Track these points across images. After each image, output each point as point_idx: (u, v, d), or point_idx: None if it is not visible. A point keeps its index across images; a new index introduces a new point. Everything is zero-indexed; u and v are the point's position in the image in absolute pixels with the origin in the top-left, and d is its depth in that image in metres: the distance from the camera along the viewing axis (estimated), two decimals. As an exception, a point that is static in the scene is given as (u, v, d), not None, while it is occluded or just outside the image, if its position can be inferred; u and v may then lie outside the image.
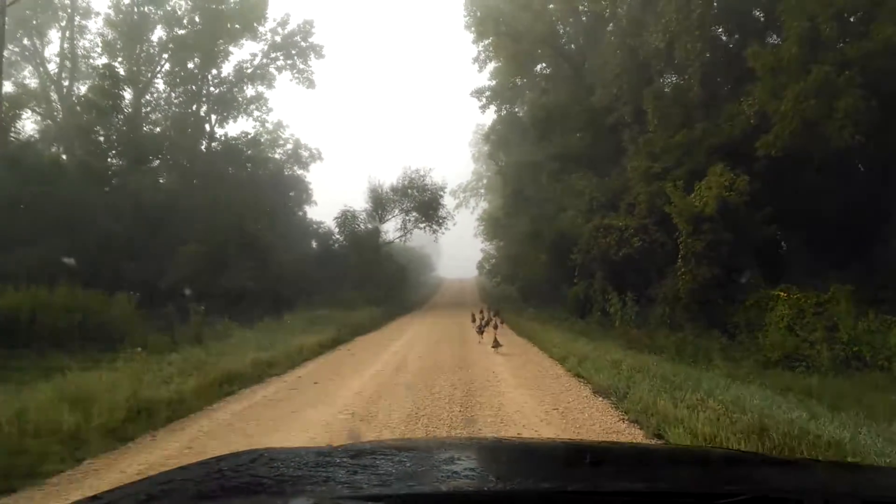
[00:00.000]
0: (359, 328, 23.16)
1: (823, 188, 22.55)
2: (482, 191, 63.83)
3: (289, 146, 53.81)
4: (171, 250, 29.33)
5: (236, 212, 32.00)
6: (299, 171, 53.34)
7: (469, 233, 62.28)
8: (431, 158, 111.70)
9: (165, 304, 29.24)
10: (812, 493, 1.60)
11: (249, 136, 47.17)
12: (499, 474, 1.84)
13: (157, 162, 39.03)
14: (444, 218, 42.62)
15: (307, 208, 54.50)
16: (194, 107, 44.47)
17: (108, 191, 30.52)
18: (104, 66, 33.55)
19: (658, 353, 16.88)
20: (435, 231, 42.72)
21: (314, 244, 46.94)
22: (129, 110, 39.16)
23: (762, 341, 17.54)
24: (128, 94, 43.33)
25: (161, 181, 32.48)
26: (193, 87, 44.30)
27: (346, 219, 40.28)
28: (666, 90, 26.04)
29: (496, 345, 15.97)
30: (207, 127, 45.18)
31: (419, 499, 1.47)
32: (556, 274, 26.72)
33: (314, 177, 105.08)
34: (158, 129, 40.84)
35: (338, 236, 43.01)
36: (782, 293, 19.76)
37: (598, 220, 24.25)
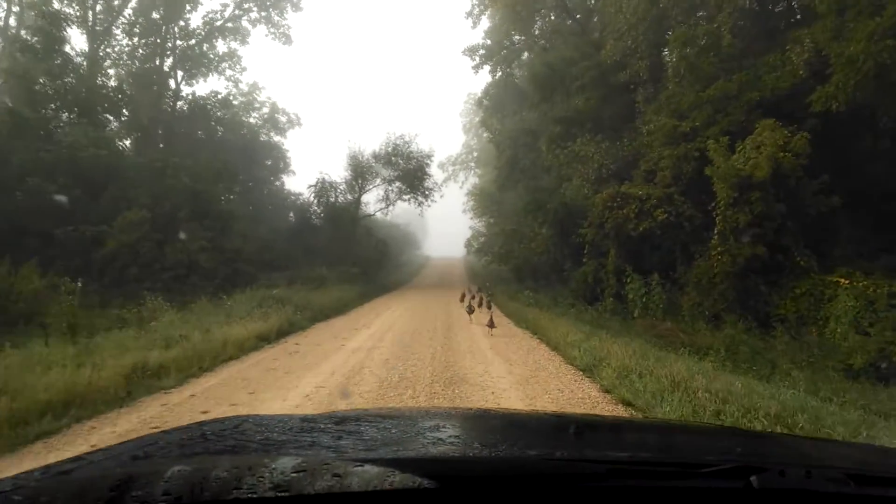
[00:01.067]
0: (322, 312, 18.84)
1: (889, 154, 18.44)
2: (472, 164, 59.19)
3: (265, 110, 49.18)
4: (114, 217, 24.83)
5: (195, 176, 27.44)
6: (276, 138, 48.81)
7: (458, 209, 57.96)
8: (420, 129, 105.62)
9: (102, 278, 24.93)
10: (793, 463, 1.59)
11: (220, 97, 42.45)
12: (484, 442, 1.83)
13: (113, 119, 34.52)
14: (431, 189, 38.13)
15: (285, 178, 50.03)
16: (157, 61, 39.62)
17: (50, 149, 25.77)
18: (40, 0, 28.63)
19: (701, 354, 12.74)
20: (420, 204, 38.21)
21: (292, 217, 42.49)
22: (81, 60, 34.43)
23: (833, 341, 13.42)
24: (82, 43, 38.60)
25: (112, 139, 27.79)
26: (157, 39, 39.46)
27: (322, 188, 35.68)
28: (695, 37, 21.61)
29: (490, 324, 14.94)
30: (173, 84, 40.41)
31: (405, 463, 1.31)
32: (559, 251, 22.46)
33: (293, 144, 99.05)
34: (114, 84, 35.91)
35: (315, 208, 38.49)
36: (842, 280, 15.65)
37: (612, 188, 19.91)
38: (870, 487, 1.42)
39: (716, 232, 17.08)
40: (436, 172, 43.69)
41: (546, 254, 22.94)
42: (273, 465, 1.23)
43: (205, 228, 25.85)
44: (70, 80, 30.38)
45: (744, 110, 18.79)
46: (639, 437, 2.30)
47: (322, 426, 1.86)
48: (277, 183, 49.05)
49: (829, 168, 17.34)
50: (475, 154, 58.88)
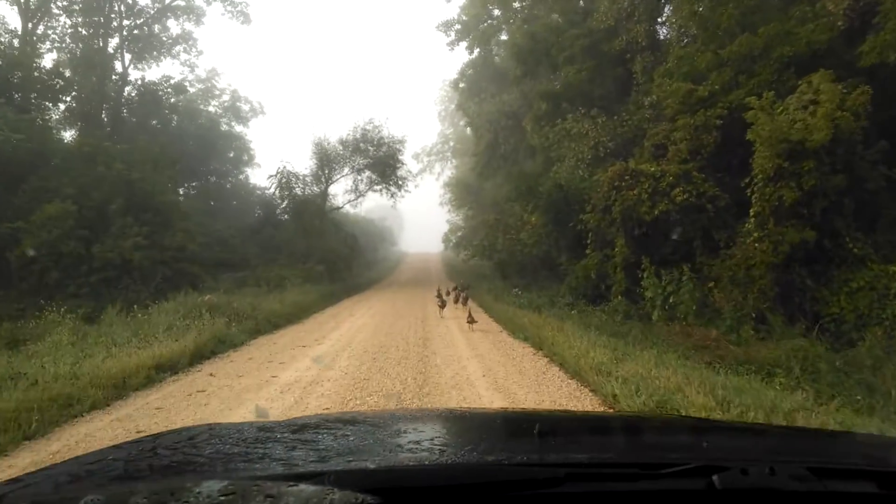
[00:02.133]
0: (270, 321, 15.08)
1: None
2: (449, 154, 55.38)
3: (225, 98, 45.06)
4: (35, 212, 20.80)
5: (129, 163, 23.41)
6: (238, 128, 44.71)
7: (435, 203, 54.23)
8: (393, 118, 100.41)
9: (20, 283, 20.93)
10: (756, 460, 1.51)
11: (173, 82, 38.21)
12: (444, 447, 1.73)
13: (51, 106, 30.29)
14: (404, 178, 34.30)
15: (249, 171, 45.98)
16: (101, 42, 35.30)
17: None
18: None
19: (763, 374, 9.29)
20: (393, 195, 34.36)
21: (259, 213, 38.42)
22: (9, 38, 30.16)
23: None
24: (15, 22, 34.39)
25: (32, 122, 23.62)
26: (100, 17, 35.17)
27: (284, 179, 31.70)
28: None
29: (471, 320, 14.30)
30: (119, 67, 36.14)
31: (353, 475, 1.29)
32: (553, 243, 18.88)
33: (257, 135, 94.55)
34: (48, 67, 31.62)
35: (278, 201, 34.46)
36: (916, 270, 12.50)
37: (619, 164, 16.34)
38: (833, 482, 1.37)
39: (752, 214, 13.62)
40: (410, 164, 40.02)
41: (537, 246, 19.36)
42: (198, 489, 1.14)
43: (141, 223, 21.89)
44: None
45: (774, 69, 15.39)
46: (603, 435, 2.17)
47: (278, 435, 1.79)
48: (241, 176, 45.09)
49: (881, 134, 14.05)
50: (451, 144, 55.10)
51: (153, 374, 8.45)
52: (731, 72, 16.24)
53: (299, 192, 32.42)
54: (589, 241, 16.69)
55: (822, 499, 1.34)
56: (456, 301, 18.93)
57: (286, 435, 1.81)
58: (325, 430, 1.94)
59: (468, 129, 55.54)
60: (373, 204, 53.33)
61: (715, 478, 1.30)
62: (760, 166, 13.06)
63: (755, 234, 13.49)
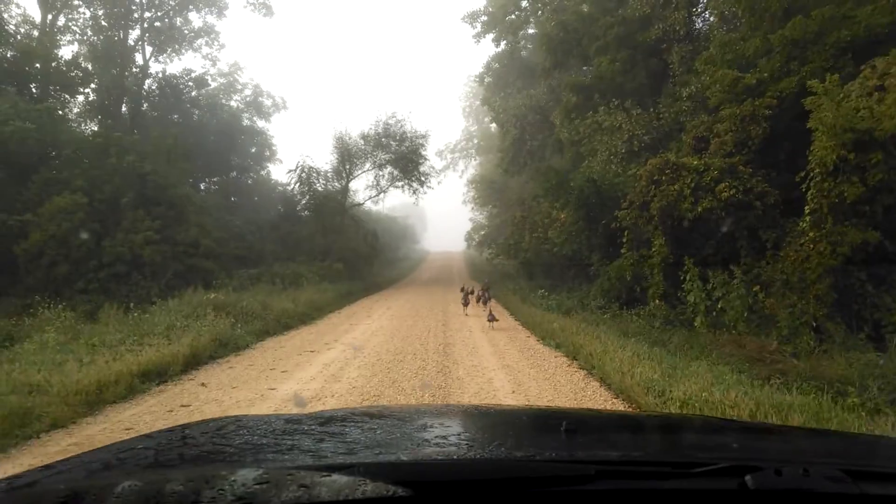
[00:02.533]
0: (280, 322, 14.05)
1: None
2: (473, 152, 54.11)
3: (247, 92, 44.28)
4: (44, 204, 20.01)
5: (142, 154, 22.54)
6: (260, 123, 43.87)
7: (458, 201, 52.99)
8: (416, 114, 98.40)
9: (27, 277, 20.12)
10: (788, 461, 1.44)
11: (194, 75, 37.47)
12: (471, 442, 1.75)
13: (69, 98, 29.61)
14: (427, 174, 33.14)
15: (271, 167, 45.22)
16: (121, 34, 34.63)
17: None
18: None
19: (833, 392, 8.01)
20: (416, 191, 33.22)
21: (281, 209, 37.50)
22: (29, 29, 29.53)
23: None
24: (35, 13, 33.92)
25: (45, 112, 22.81)
26: (121, 9, 34.49)
27: (305, 174, 30.71)
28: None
29: (491, 318, 14.35)
30: (140, 59, 35.47)
31: (382, 468, 1.26)
32: (584, 242, 17.57)
33: (279, 130, 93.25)
34: (66, 58, 30.97)
35: (298, 197, 33.48)
36: None
37: (659, 157, 15.05)
38: (870, 484, 1.31)
39: (807, 211, 12.27)
40: (433, 161, 38.88)
41: (566, 244, 18.06)
42: (233, 478, 1.15)
43: (153, 217, 21.01)
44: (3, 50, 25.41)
45: (829, 55, 14.02)
46: (633, 434, 2.10)
47: (305, 427, 1.78)
48: (263, 172, 44.25)
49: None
50: (476, 141, 53.83)
51: (136, 384, 7.39)
52: (780, 58, 14.88)
53: (319, 188, 31.40)
54: (625, 240, 15.39)
55: (856, 502, 1.26)
56: (478, 301, 18.17)
57: (314, 427, 1.78)
58: (352, 424, 1.92)
59: (493, 126, 54.33)
60: (396, 202, 52.35)
61: (748, 478, 1.24)
62: (819, 159, 11.70)
63: (811, 234, 12.13)
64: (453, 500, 1.21)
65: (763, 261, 13.71)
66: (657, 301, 14.54)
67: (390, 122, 31.96)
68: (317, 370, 8.88)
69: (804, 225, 12.44)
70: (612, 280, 15.72)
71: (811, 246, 12.07)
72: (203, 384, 7.86)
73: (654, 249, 14.92)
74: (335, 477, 1.14)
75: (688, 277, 12.95)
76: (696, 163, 14.44)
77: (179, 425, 1.91)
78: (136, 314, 12.44)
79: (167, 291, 18.40)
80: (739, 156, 14.58)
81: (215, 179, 39.72)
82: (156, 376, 7.91)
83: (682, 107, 18.85)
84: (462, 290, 18.41)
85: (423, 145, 32.12)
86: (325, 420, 1.89)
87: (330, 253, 28.75)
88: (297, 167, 30.43)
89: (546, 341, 11.81)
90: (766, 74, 14.89)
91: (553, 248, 19.82)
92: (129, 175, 21.24)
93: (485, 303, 17.16)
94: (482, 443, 1.78)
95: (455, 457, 1.49)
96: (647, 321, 13.70)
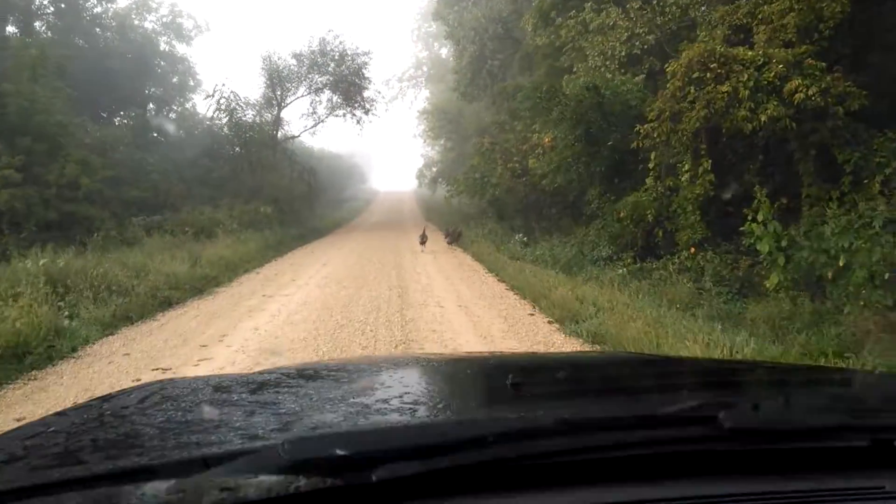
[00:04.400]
0: (158, 295, 9.27)
1: None
2: (422, 81, 48.53)
3: (163, 11, 37.63)
4: None
5: (9, 75, 16.95)
6: (181, 48, 37.50)
7: (407, 138, 47.72)
8: (361, 40, 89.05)
9: None
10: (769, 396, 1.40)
11: (93, -12, 30.95)
12: (413, 406, 1.47)
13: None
14: (372, 101, 27.92)
15: (196, 99, 38.99)
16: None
17: None
18: None
19: None
20: (360, 121, 28.03)
21: (204, 145, 31.83)
22: None
23: None
24: None
25: None
26: None
27: (224, 101, 25.13)
28: None
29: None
30: (22, -33, 28.79)
31: (318, 444, 1.10)
32: (580, 171, 12.93)
33: (204, 57, 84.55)
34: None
35: (223, 130, 27.90)
36: None
37: (699, 46, 10.40)
38: (863, 417, 1.20)
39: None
40: (380, 90, 33.28)
41: (556, 175, 13.43)
42: (141, 492, 0.98)
43: (14, 152, 15.63)
44: None
45: None
46: (586, 382, 1.87)
47: (235, 397, 1.58)
48: (188, 105, 38.12)
49: None
50: (425, 69, 48.24)
51: None
52: None
53: (247, 118, 25.92)
54: (651, 166, 10.84)
55: (822, 453, 1.09)
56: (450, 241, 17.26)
57: (244, 396, 1.59)
58: (286, 389, 1.69)
59: (444, 52, 48.81)
60: (342, 141, 46.82)
61: (722, 414, 1.04)
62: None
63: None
64: (395, 480, 1.00)
65: (834, 189, 9.56)
66: (692, 250, 10.24)
67: (327, 38, 26.51)
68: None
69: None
70: (626, 221, 11.30)
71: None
72: None
73: (684, 178, 10.50)
74: (263, 478, 0.96)
75: (760, 216, 8.56)
76: (750, 54, 9.95)
77: (99, 398, 1.66)
78: None
79: (30, 247, 13.35)
80: (805, 45, 10.15)
81: (132, 113, 33.83)
82: None
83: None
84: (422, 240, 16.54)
85: (366, 64, 26.81)
86: (258, 386, 1.67)
87: (259, 194, 23.69)
88: (214, 92, 24.82)
89: (564, 324, 7.31)
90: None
91: (534, 180, 15.26)
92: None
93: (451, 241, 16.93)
94: (426, 405, 1.54)
95: (397, 424, 1.31)
96: (687, 280, 9.40)
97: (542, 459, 1.06)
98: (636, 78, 13.08)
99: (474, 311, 8.27)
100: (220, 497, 0.94)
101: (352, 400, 1.59)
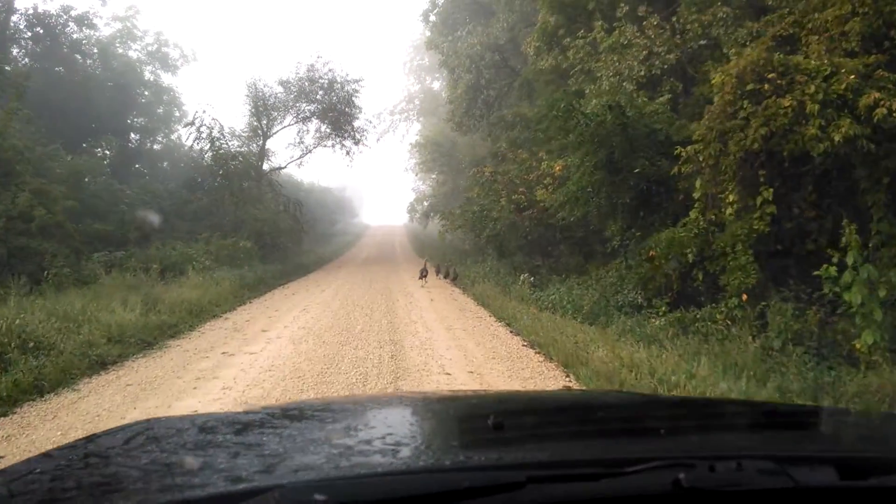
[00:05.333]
0: (86, 355, 7.23)
1: None
2: (414, 114, 46.95)
3: (148, 40, 36.00)
4: None
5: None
6: (167, 78, 35.82)
7: (400, 172, 46.02)
8: (351, 68, 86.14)
9: None
10: (724, 457, 1.28)
11: (75, 13, 29.29)
12: (396, 447, 1.46)
13: None
14: (363, 131, 26.17)
15: (182, 130, 37.17)
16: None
17: None
18: None
19: None
20: (349, 152, 26.23)
21: (200, 179, 29.85)
22: None
23: None
24: None
25: None
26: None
27: (204, 128, 23.25)
28: None
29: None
30: (-2, -11, 27.10)
31: (300, 491, 1.11)
32: (600, 202, 10.93)
33: (190, 88, 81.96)
34: None
35: (206, 161, 25.99)
36: None
37: (753, 54, 8.61)
38: (802, 470, 1.23)
39: None
40: (370, 120, 31.48)
41: (573, 207, 11.49)
42: None
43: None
44: None
45: None
46: (564, 425, 1.88)
47: (220, 438, 1.59)
48: (174, 136, 36.33)
49: None
50: (417, 102, 46.71)
51: None
52: None
53: (229, 148, 24.00)
54: (698, 196, 8.97)
55: (791, 492, 1.20)
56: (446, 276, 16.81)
57: (229, 437, 1.59)
58: (270, 430, 1.69)
59: (435, 84, 47.40)
60: (333, 174, 45.03)
61: (682, 476, 1.14)
62: None
63: None
64: None
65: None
66: (744, 297, 8.36)
67: (316, 64, 24.81)
68: None
69: None
70: (660, 261, 9.41)
71: None
72: None
73: (729, 210, 8.67)
74: None
75: (848, 258, 6.70)
76: (814, 63, 8.21)
77: (84, 438, 1.65)
78: None
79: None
80: (875, 55, 8.44)
81: (112, 143, 31.95)
82: None
83: (719, 13, 12.58)
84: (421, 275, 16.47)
85: (356, 92, 25.10)
86: (242, 427, 1.67)
87: (242, 228, 21.74)
88: (194, 119, 22.96)
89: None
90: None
91: (540, 215, 13.39)
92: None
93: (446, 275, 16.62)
94: (409, 447, 1.53)
95: (380, 469, 1.30)
96: (748, 336, 7.50)
97: None
98: (659, 99, 11.32)
99: (493, 382, 6.30)
100: None
101: (335, 441, 1.55)
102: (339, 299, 13.28)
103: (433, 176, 37.97)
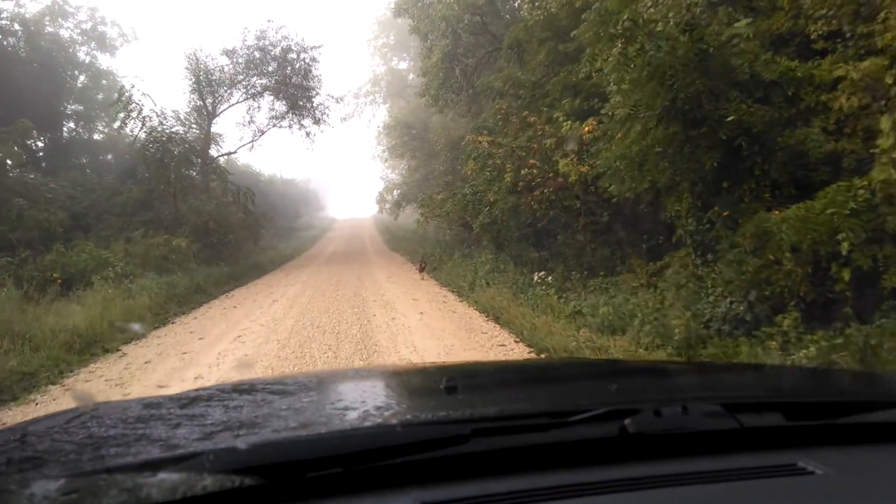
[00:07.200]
0: None
1: None
2: (380, 98, 42.92)
3: (82, 17, 31.52)
4: None
5: None
6: (104, 59, 31.39)
7: (366, 160, 42.12)
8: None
9: None
10: (668, 400, 1.32)
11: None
12: (343, 412, 1.40)
13: None
14: (325, 107, 22.26)
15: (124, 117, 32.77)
16: None
17: None
18: None
19: None
20: (309, 133, 22.35)
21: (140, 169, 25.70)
22: None
23: None
24: None
25: None
26: None
27: (133, 108, 19.05)
28: None
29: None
30: None
31: (235, 452, 1.04)
32: (664, 170, 7.46)
33: (135, 72, 75.58)
34: None
35: (137, 145, 21.87)
36: None
37: None
38: (748, 415, 1.23)
39: None
40: (333, 110, 27.40)
41: (635, 175, 7.76)
42: (30, 491, 0.93)
43: None
44: None
45: None
46: (514, 386, 1.91)
47: (164, 412, 1.49)
48: (116, 125, 31.94)
49: None
50: (383, 84, 42.70)
51: None
52: None
53: (165, 129, 19.85)
54: (884, 147, 5.44)
55: (738, 434, 1.20)
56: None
57: (173, 411, 1.48)
58: (217, 403, 1.57)
59: (402, 64, 43.56)
60: (296, 166, 40.96)
61: (627, 421, 1.14)
62: None
63: None
64: (312, 481, 1.01)
65: None
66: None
67: (267, 31, 20.82)
68: None
69: None
70: (782, 252, 5.95)
71: None
72: None
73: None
74: (163, 476, 0.93)
75: None
76: None
77: (26, 421, 1.55)
78: None
79: None
80: None
81: (46, 134, 27.61)
82: None
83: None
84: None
85: (314, 61, 21.14)
86: (189, 401, 1.56)
87: (184, 223, 17.83)
88: (120, 98, 18.81)
89: None
90: None
91: (564, 194, 9.84)
92: None
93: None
94: (355, 412, 1.40)
95: (317, 432, 1.25)
96: None
97: (462, 462, 1.08)
98: (737, 23, 7.76)
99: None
100: (121, 498, 0.89)
101: (283, 410, 1.48)
102: (294, 316, 9.52)
103: (404, 162, 34.16)
